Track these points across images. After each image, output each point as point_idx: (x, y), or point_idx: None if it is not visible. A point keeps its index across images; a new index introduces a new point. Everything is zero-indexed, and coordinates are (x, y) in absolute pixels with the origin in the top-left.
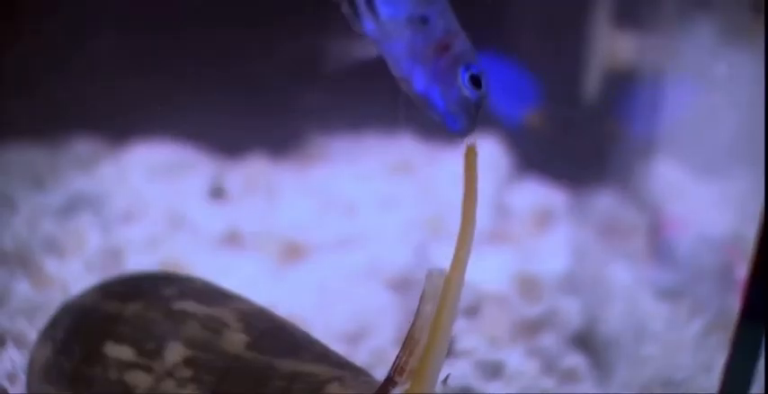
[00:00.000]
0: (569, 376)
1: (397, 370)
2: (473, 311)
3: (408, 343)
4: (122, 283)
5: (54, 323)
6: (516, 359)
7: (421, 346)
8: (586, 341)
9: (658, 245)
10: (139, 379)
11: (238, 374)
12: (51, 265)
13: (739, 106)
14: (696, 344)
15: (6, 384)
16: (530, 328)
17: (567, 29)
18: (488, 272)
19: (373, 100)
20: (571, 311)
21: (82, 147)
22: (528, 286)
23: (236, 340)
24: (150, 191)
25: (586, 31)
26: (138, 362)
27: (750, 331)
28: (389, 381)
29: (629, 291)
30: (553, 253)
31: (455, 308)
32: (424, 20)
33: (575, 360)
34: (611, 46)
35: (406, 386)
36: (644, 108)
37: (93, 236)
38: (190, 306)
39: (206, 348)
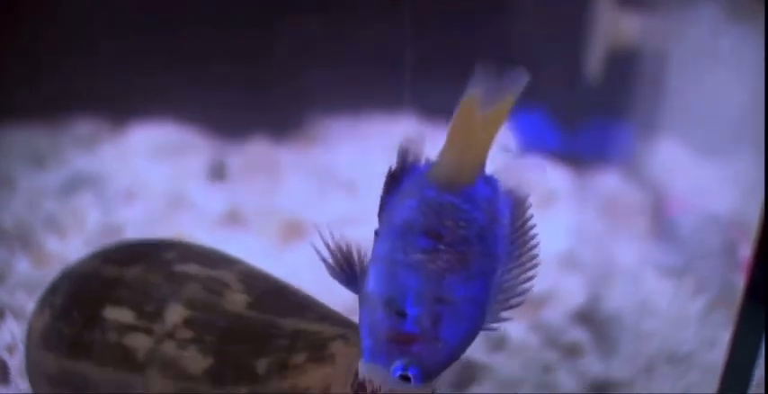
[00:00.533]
0: (572, 350)
1: None
2: None
3: None
4: (122, 249)
5: (52, 289)
6: (519, 332)
7: None
8: (589, 317)
9: (662, 224)
10: (139, 341)
11: (240, 333)
12: (52, 243)
13: (742, 85)
14: (700, 320)
15: (6, 355)
16: (532, 304)
17: (571, 9)
18: None
19: (376, 80)
20: (574, 288)
21: (83, 127)
22: None
23: (237, 300)
24: (151, 171)
25: (590, 12)
26: (138, 324)
27: (754, 311)
28: None
29: (632, 269)
30: (555, 232)
31: None
32: (401, 313)
33: (578, 334)
34: (615, 26)
35: None
36: (647, 88)
37: (93, 214)
38: (191, 268)
39: (207, 309)
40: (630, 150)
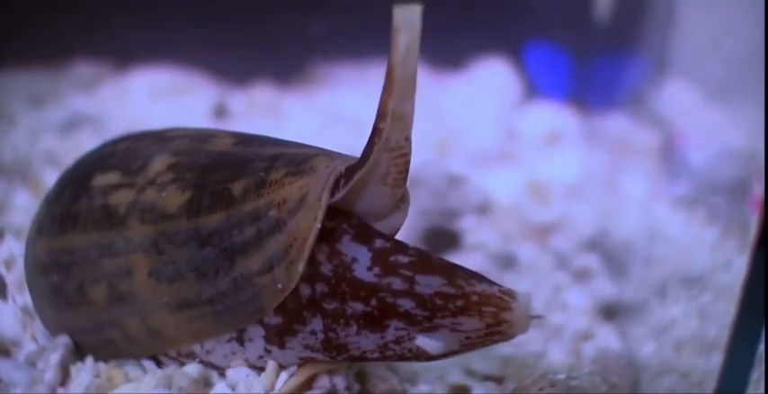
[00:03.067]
0: (582, 273)
1: (379, 115)
2: (483, 210)
3: (387, 83)
4: (121, 136)
5: (51, 187)
6: (528, 254)
7: (399, 82)
8: (599, 243)
9: (672, 158)
10: (122, 197)
11: (219, 165)
12: (50, 178)
13: (752, 24)
14: (713, 246)
15: (3, 270)
16: (541, 230)
17: None
18: (498, 182)
19: (377, 26)
20: (583, 217)
21: (83, 69)
22: (538, 192)
23: (222, 142)
24: (152, 111)
25: None
26: (123, 181)
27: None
28: (375, 129)
29: (643, 200)
30: (564, 167)
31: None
32: None
33: (588, 259)
34: None
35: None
36: (655, 29)
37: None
38: (183, 131)
39: (191, 153)
40: (640, 88)
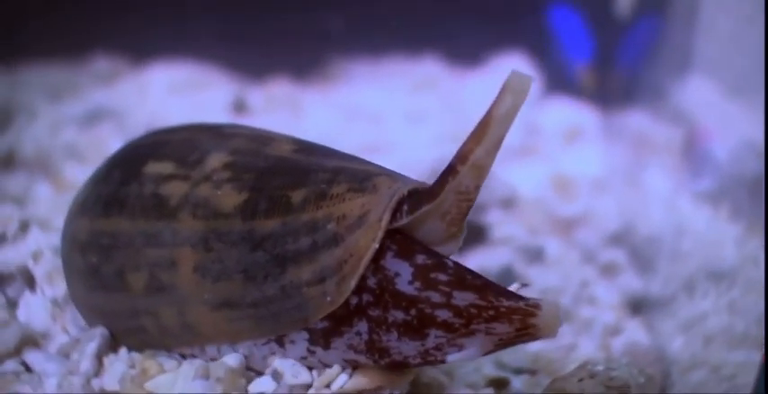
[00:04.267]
0: (609, 268)
1: (460, 158)
2: (509, 204)
3: (478, 132)
4: (179, 125)
5: (99, 166)
6: (555, 248)
7: (490, 137)
8: (624, 238)
9: (694, 154)
10: (175, 188)
11: (280, 170)
12: (72, 171)
13: None
14: (739, 241)
15: (31, 262)
16: (567, 224)
17: None
18: (522, 177)
19: (393, 22)
20: (607, 212)
21: (102, 64)
22: (563, 186)
23: (283, 148)
24: (171, 106)
25: None
26: (177, 173)
27: None
28: (451, 169)
29: (666, 196)
30: (586, 162)
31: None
32: None
33: (614, 253)
34: None
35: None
36: (677, 25)
37: (114, 144)
38: (241, 130)
39: (249, 154)
40: (661, 84)
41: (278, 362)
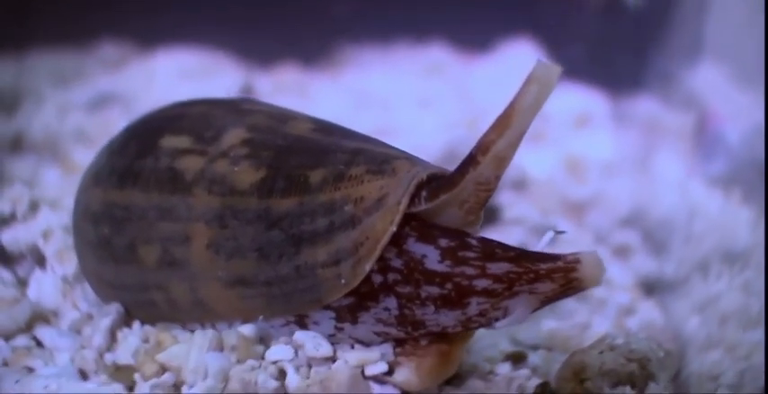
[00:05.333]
0: (622, 249)
1: (481, 148)
2: (520, 185)
3: (500, 122)
4: (195, 99)
5: (114, 137)
6: (567, 229)
7: (513, 129)
8: (636, 220)
9: (706, 138)
10: (191, 162)
11: (298, 150)
12: (80, 155)
13: None
14: (752, 223)
15: (41, 240)
16: (578, 206)
17: None
18: (533, 160)
19: (402, 8)
20: (618, 195)
21: (109, 50)
22: (574, 169)
23: (301, 126)
24: (179, 91)
25: None
26: (194, 147)
27: None
28: (472, 159)
29: (678, 179)
30: (597, 146)
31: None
32: None
33: (626, 235)
34: None
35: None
36: (689, 11)
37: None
38: (259, 106)
39: (268, 131)
40: (670, 70)
41: (298, 334)
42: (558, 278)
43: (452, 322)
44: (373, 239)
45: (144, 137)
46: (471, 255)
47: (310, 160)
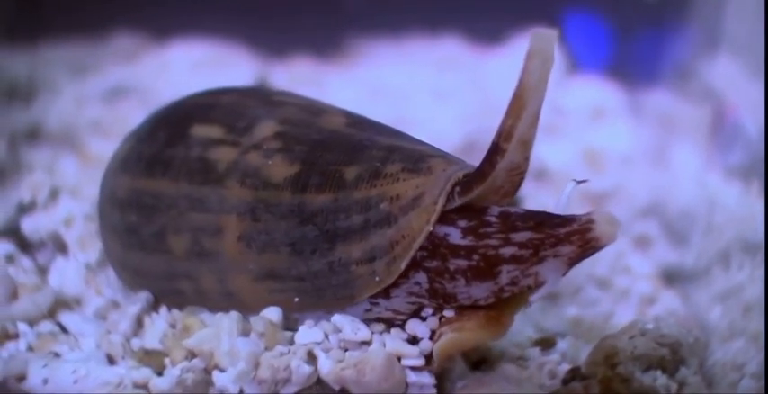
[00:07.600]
0: (642, 240)
1: (503, 136)
2: (540, 176)
3: (515, 105)
4: (225, 87)
5: (141, 123)
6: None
7: (529, 108)
8: (656, 211)
9: (723, 130)
10: (223, 153)
11: (333, 145)
12: (97, 146)
13: None
14: None
15: (62, 228)
16: (597, 197)
17: None
18: (551, 151)
19: (415, 1)
20: (637, 186)
21: (124, 41)
22: (593, 160)
23: (335, 120)
24: (193, 83)
25: None
26: (226, 138)
27: None
28: (497, 148)
29: (696, 171)
30: (614, 138)
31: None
32: None
33: (646, 226)
34: None
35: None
36: (707, 5)
37: (138, 119)
38: (291, 98)
39: (301, 125)
40: (687, 62)
41: (336, 317)
42: (575, 240)
43: (485, 293)
44: (409, 238)
45: (173, 125)
46: (492, 229)
47: (345, 156)
